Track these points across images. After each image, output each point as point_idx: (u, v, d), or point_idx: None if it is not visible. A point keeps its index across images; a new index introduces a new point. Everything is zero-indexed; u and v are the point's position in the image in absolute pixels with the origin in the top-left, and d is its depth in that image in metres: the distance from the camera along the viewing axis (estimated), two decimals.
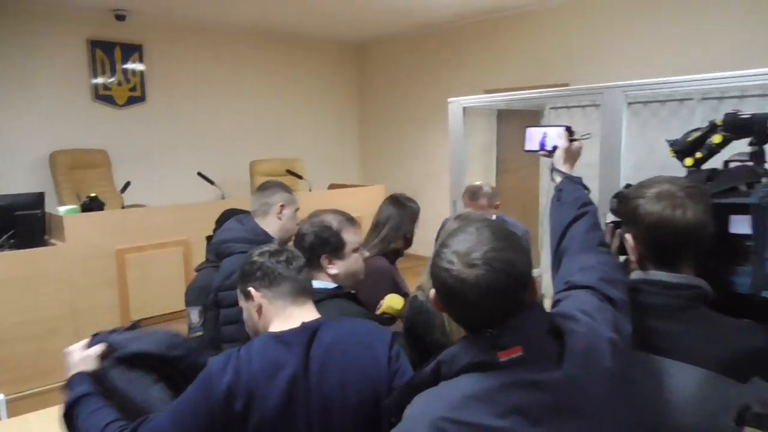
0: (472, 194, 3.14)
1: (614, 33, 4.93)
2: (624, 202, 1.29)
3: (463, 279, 0.99)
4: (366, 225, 4.60)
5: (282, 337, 1.28)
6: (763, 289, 1.17)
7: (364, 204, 4.64)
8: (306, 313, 1.36)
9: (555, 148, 1.65)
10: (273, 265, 1.38)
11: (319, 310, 1.41)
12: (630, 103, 3.29)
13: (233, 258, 2.09)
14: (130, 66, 5.95)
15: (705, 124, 1.43)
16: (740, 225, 1.22)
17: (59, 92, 5.55)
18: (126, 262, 3.45)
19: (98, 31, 5.68)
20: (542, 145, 1.71)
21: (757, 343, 1.13)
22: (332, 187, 5.45)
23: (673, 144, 1.46)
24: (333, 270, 1.69)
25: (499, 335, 0.99)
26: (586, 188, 1.53)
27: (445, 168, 6.67)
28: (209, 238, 2.39)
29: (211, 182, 4.72)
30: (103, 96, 5.82)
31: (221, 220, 2.43)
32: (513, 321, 1.00)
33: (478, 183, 3.20)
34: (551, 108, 4.34)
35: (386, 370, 1.30)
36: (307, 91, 7.44)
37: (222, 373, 1.20)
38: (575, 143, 1.64)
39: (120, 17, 5.62)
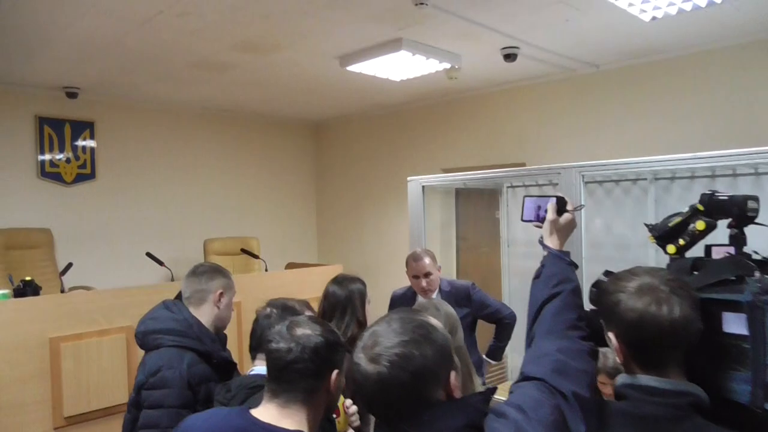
0: (415, 258, 3.10)
1: (567, 115, 5.10)
2: (603, 296, 1.20)
3: (366, 375, 0.99)
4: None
5: None
6: (765, 401, 1.06)
7: (323, 284, 4.48)
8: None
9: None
10: None
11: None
12: (586, 183, 3.34)
13: (161, 352, 1.93)
14: (80, 143, 5.77)
15: (684, 209, 1.38)
16: (735, 324, 1.12)
17: (1, 168, 5.32)
18: (60, 352, 3.15)
19: (48, 107, 5.54)
20: (538, 216, 1.63)
21: None
22: (290, 266, 5.28)
23: (652, 229, 1.40)
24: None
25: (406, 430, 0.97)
26: (572, 263, 1.45)
27: (404, 246, 6.62)
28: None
29: (160, 262, 4.50)
30: (49, 173, 5.59)
31: None
32: (425, 416, 0.97)
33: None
34: (508, 187, 4.39)
35: None
36: (263, 168, 7.38)
37: None
38: (566, 215, 1.54)
39: (71, 95, 5.50)
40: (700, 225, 1.30)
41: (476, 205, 5.89)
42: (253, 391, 1.58)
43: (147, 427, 1.83)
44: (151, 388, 1.86)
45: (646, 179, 3.40)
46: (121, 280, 5.12)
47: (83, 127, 5.80)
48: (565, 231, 1.54)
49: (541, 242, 1.54)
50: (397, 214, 6.67)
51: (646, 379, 1.12)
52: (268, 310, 1.82)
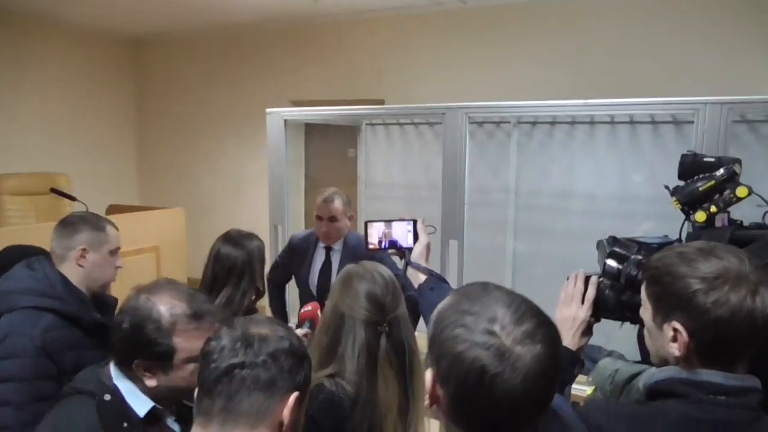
0: (325, 198, 2.69)
1: (430, 53, 4.88)
2: (664, 279, 0.97)
3: (515, 359, 0.73)
4: (168, 257, 3.81)
5: None
6: None
7: (163, 231, 3.81)
8: None
9: (407, 246, 1.59)
10: None
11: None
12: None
13: (14, 316, 1.67)
14: None
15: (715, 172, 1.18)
16: None
17: None
18: None
19: None
20: (394, 243, 1.61)
21: None
22: (113, 210, 4.40)
23: (676, 192, 1.19)
24: (149, 382, 1.22)
25: None
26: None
27: (248, 186, 6.04)
28: None
29: None
30: None
31: (3, 263, 1.91)
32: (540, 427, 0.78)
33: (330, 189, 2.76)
34: (368, 124, 4.09)
35: None
36: (68, 89, 6.14)
37: None
38: (424, 237, 1.58)
39: None
40: (741, 191, 1.10)
41: (330, 142, 5.51)
42: None
43: None
44: None
45: (511, 123, 3.35)
46: None
47: None
48: (427, 253, 1.57)
49: (413, 264, 1.53)
50: (241, 150, 6.04)
51: (708, 375, 0.95)
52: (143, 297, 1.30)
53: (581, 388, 1.59)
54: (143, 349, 1.20)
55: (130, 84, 6.83)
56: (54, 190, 4.13)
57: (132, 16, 5.53)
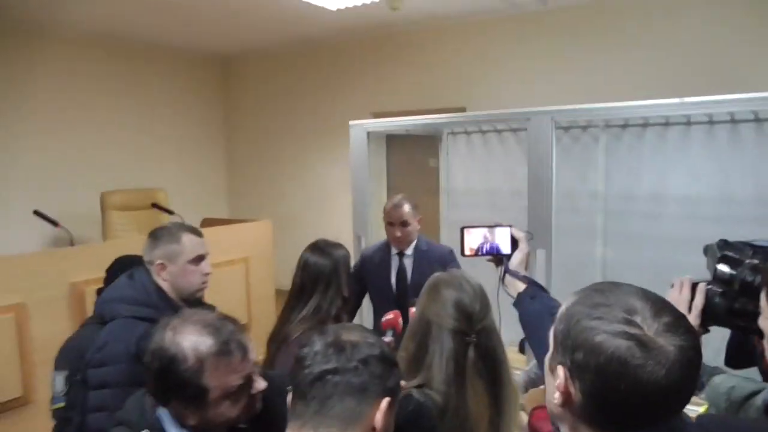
0: (394, 204, 2.72)
1: (511, 58, 4.80)
2: None
3: (658, 350, 0.70)
4: (257, 268, 3.96)
5: None
6: None
7: (252, 243, 3.96)
8: None
9: (506, 253, 1.57)
10: None
11: None
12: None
13: (115, 324, 1.74)
14: None
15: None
16: None
17: None
18: None
19: None
20: (495, 249, 1.59)
21: None
22: (206, 223, 4.65)
23: None
24: (187, 421, 1.18)
25: None
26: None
27: (332, 197, 6.18)
28: (99, 291, 2.01)
29: (54, 222, 3.75)
30: None
31: (112, 271, 2.05)
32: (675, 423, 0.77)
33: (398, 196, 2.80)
34: (449, 133, 4.06)
35: None
36: (165, 109, 6.55)
37: None
38: (523, 246, 1.57)
39: None
40: None
41: (412, 153, 5.53)
42: None
43: (94, 410, 1.65)
44: (95, 366, 1.68)
45: (599, 126, 3.21)
46: (6, 246, 4.29)
47: None
48: (527, 261, 1.58)
49: (512, 273, 1.51)
50: (325, 162, 6.19)
51: None
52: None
53: (692, 408, 1.49)
54: (175, 390, 1.16)
55: (219, 102, 7.19)
56: (155, 205, 4.39)
57: (219, 36, 5.83)
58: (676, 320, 0.73)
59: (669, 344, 0.71)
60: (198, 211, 5.70)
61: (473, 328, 1.36)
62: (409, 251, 2.74)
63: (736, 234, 2.26)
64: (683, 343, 0.71)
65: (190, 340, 1.16)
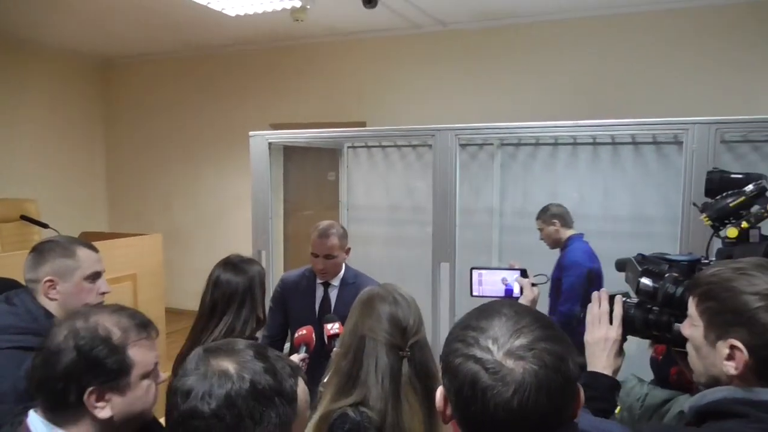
0: (320, 233, 2.50)
1: (412, 75, 4.93)
2: (722, 295, 0.96)
3: (503, 374, 0.72)
4: (146, 286, 3.68)
5: None
6: None
7: (140, 259, 3.69)
8: None
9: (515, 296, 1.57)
10: None
11: None
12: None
13: None
14: None
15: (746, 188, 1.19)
16: None
17: None
18: None
19: None
20: (508, 292, 1.60)
21: None
22: (86, 237, 4.26)
23: (706, 209, 1.20)
24: (103, 413, 1.07)
25: None
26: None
27: (227, 210, 5.90)
28: None
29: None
30: None
31: None
32: None
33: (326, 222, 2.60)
34: (349, 147, 4.08)
35: None
36: (36, 112, 5.97)
37: None
38: (534, 289, 1.57)
39: None
40: None
41: (310, 166, 5.48)
42: None
43: None
44: None
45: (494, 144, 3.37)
46: None
47: None
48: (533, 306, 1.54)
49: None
50: (215, 173, 5.94)
51: None
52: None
53: None
54: (97, 371, 1.07)
55: (98, 106, 6.69)
56: (24, 217, 3.96)
57: (101, 36, 5.44)
58: (533, 342, 0.74)
59: (519, 367, 0.72)
60: (75, 224, 5.20)
61: (407, 342, 1.35)
62: (336, 282, 2.58)
63: (617, 248, 2.46)
64: (534, 366, 0.72)
65: (108, 318, 1.12)
